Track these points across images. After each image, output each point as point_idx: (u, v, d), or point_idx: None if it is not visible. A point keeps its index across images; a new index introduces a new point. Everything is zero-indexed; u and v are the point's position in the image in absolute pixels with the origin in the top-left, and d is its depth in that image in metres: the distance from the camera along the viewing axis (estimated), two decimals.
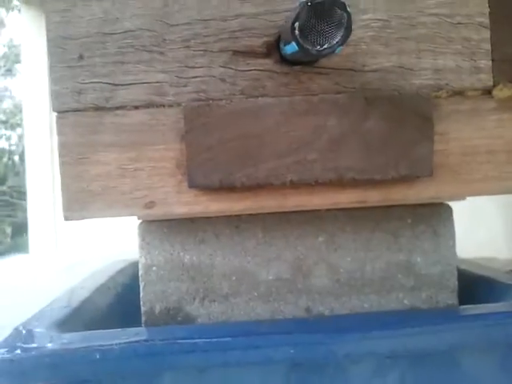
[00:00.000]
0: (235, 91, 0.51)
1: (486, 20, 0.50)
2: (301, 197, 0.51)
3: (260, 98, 0.49)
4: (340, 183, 0.50)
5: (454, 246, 0.65)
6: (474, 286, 0.75)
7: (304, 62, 0.49)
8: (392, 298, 0.65)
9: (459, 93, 0.51)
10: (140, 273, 0.66)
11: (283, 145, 0.49)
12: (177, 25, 0.52)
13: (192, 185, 0.49)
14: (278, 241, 0.65)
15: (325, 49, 0.36)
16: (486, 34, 0.51)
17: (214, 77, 0.51)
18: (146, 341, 0.53)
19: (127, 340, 0.53)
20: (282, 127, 0.48)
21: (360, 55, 0.51)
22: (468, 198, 1.25)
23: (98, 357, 0.52)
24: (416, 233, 0.65)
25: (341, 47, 0.36)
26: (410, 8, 0.51)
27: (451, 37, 0.51)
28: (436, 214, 0.65)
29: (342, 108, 0.48)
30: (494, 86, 0.51)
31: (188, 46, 0.51)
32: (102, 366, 0.52)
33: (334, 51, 0.36)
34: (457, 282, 0.65)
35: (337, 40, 0.36)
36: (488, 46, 0.51)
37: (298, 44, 0.37)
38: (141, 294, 0.66)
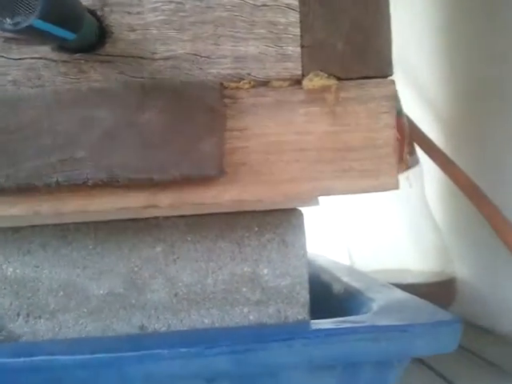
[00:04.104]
0: (6, 82, 0.44)
1: (294, 2, 0.44)
2: (79, 201, 0.45)
3: (22, 88, 0.42)
4: (122, 185, 0.44)
5: (304, 255, 0.59)
6: (346, 298, 0.69)
7: (83, 49, 0.43)
8: (236, 313, 0.59)
9: (263, 83, 0.45)
10: None
11: (47, 141, 0.42)
12: None
13: None
14: (111, 252, 0.58)
15: (18, 22, 0.30)
16: (295, 17, 0.44)
17: None
18: None
19: None
20: (46, 121, 0.42)
21: (150, 41, 0.44)
22: (377, 210, 1.19)
23: None
24: (263, 242, 0.59)
25: (39, 20, 0.30)
26: None
27: (254, 20, 0.44)
28: (285, 221, 0.59)
29: (114, 98, 0.42)
30: (304, 75, 0.45)
31: None
32: None
33: (30, 25, 0.30)
34: (308, 295, 0.59)
35: (35, 12, 0.30)
36: (297, 31, 0.44)
37: None
38: None
